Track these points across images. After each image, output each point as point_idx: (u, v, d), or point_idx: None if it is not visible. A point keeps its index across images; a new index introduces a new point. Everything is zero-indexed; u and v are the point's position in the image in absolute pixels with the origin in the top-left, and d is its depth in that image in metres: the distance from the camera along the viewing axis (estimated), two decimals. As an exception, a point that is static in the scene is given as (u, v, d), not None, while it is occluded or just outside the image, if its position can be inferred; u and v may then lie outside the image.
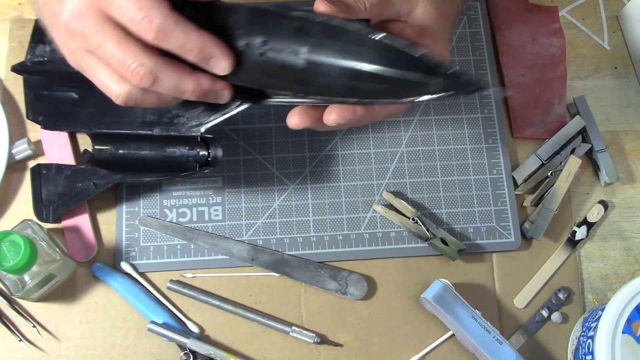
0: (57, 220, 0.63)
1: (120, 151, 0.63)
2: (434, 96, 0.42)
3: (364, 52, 0.43)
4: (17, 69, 0.64)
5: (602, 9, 0.74)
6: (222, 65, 0.45)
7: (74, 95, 0.62)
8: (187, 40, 0.43)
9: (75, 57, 0.46)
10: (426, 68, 0.42)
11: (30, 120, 0.63)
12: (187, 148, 0.62)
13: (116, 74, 0.45)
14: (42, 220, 0.61)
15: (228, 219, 0.64)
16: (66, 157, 0.64)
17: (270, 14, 0.45)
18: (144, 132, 0.60)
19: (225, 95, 0.48)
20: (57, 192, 0.62)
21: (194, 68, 0.45)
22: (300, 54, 0.44)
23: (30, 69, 0.63)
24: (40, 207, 0.62)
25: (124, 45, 0.43)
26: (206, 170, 0.60)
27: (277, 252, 0.63)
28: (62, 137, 0.65)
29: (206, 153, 0.61)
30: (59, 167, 0.62)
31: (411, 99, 0.43)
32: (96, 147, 0.63)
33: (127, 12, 0.41)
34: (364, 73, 0.43)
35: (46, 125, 0.62)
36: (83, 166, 0.62)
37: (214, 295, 0.62)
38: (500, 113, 0.68)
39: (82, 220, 0.63)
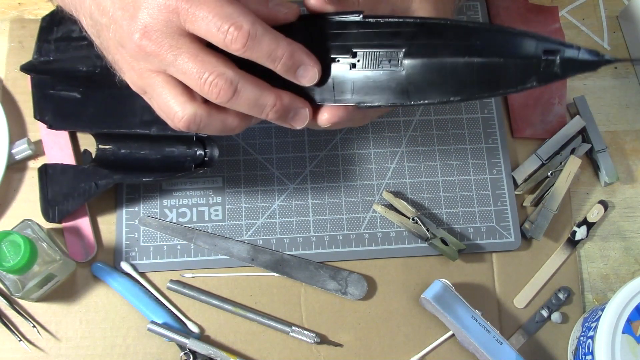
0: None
1: (122, 151, 0.63)
2: (553, 81, 0.38)
3: (473, 43, 0.39)
4: (25, 68, 0.63)
5: (602, 9, 0.74)
6: (310, 73, 0.42)
7: (77, 95, 0.62)
8: (277, 47, 0.40)
9: (141, 78, 0.43)
10: (543, 50, 0.38)
11: (38, 119, 0.63)
12: (185, 147, 0.62)
13: (183, 95, 0.42)
14: (48, 221, 0.61)
15: (228, 219, 0.64)
16: (67, 157, 0.64)
17: (355, 24, 0.43)
18: (142, 131, 0.60)
19: (304, 115, 0.44)
20: (62, 192, 0.62)
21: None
22: (399, 60, 0.41)
23: (38, 68, 0.63)
24: (47, 207, 0.62)
25: (200, 57, 0.40)
26: (201, 171, 0.60)
27: (277, 252, 0.63)
28: (63, 137, 0.65)
29: (203, 152, 0.61)
30: (64, 167, 0.63)
31: (527, 85, 0.39)
32: (100, 146, 0.63)
33: (213, 21, 0.39)
34: (477, 66, 0.39)
35: (52, 125, 0.62)
36: (86, 166, 0.62)
37: (214, 295, 0.62)
38: (500, 113, 0.68)
39: (82, 221, 0.63)
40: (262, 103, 0.42)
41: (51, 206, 0.61)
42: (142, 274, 0.62)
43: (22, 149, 0.64)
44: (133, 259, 0.62)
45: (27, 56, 0.64)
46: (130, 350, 0.60)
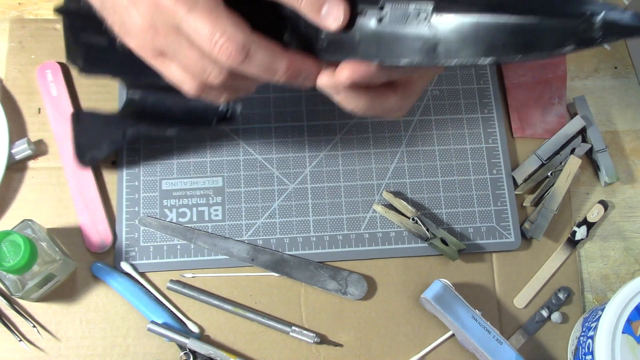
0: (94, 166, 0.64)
1: (149, 99, 0.63)
2: (592, 46, 0.35)
3: (506, 0, 0.37)
4: (58, 9, 0.61)
5: (602, 9, 0.74)
6: (335, 11, 0.39)
7: (107, 41, 0.61)
8: None
9: (158, 36, 0.42)
10: (584, 11, 0.35)
11: (70, 63, 0.62)
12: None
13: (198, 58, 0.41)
14: (83, 165, 0.62)
15: (228, 219, 0.64)
16: None
17: None
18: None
19: (314, 78, 0.43)
20: (93, 139, 0.62)
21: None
22: (427, 16, 0.39)
23: (69, 9, 0.61)
24: (80, 152, 0.62)
25: (212, 19, 0.39)
26: (222, 126, 0.58)
27: (277, 252, 0.63)
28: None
29: (226, 108, 0.61)
30: (94, 114, 0.64)
31: (562, 49, 0.36)
32: (129, 91, 0.64)
33: None
34: (510, 26, 0.37)
35: (84, 69, 0.61)
36: (115, 114, 0.62)
37: (214, 295, 0.62)
38: (500, 113, 0.68)
39: (97, 211, 0.63)
40: (274, 67, 0.41)
41: (83, 152, 0.62)
42: (142, 274, 0.62)
43: (22, 149, 0.64)
44: (133, 259, 0.62)
45: (27, 56, 0.64)
46: (130, 350, 0.60)
